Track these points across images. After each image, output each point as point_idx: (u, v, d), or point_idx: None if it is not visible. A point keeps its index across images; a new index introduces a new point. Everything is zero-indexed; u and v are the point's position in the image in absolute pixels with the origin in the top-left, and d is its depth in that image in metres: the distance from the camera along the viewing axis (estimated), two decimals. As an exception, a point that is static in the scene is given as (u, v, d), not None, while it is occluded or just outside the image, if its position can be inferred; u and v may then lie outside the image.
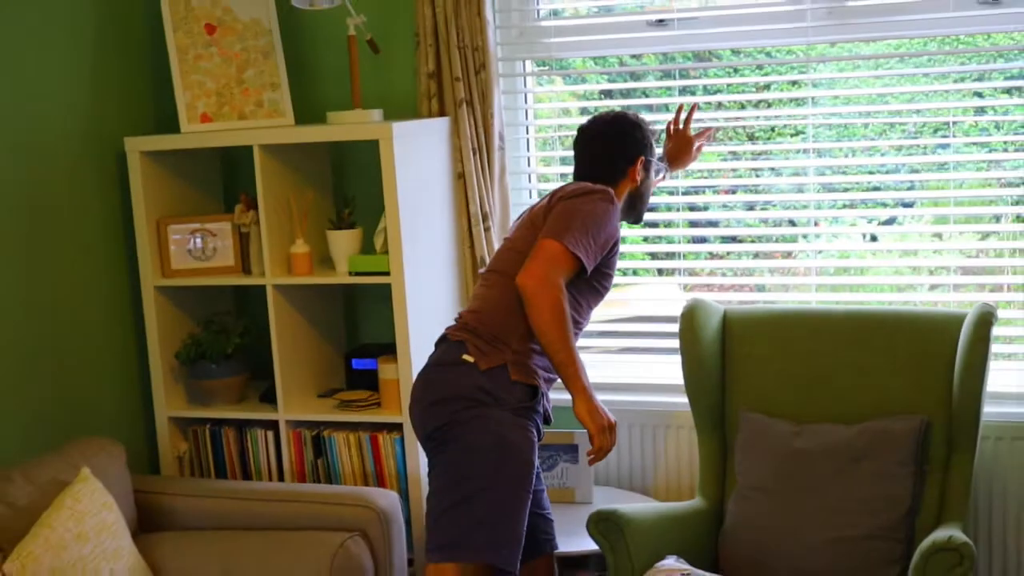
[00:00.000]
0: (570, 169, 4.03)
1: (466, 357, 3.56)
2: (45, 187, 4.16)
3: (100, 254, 4.39)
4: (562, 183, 3.92)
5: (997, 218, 4.35)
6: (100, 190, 4.38)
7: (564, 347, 3.48)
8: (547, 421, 3.74)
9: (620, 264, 4.53)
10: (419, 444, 3.83)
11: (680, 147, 4.19)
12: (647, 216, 4.44)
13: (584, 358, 4.08)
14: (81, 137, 4.30)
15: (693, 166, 4.33)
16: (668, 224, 4.68)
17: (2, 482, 3.57)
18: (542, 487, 3.85)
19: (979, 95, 4.32)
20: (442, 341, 3.68)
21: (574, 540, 3.95)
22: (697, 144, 4.22)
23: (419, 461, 4.17)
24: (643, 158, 3.85)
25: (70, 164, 4.25)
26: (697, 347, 4.05)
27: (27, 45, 4.08)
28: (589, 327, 4.40)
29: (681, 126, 4.20)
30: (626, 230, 4.58)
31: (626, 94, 4.72)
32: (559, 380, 3.68)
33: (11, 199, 4.01)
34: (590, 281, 3.66)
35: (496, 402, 3.53)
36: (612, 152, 3.85)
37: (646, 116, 4.43)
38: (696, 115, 4.34)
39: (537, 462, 3.70)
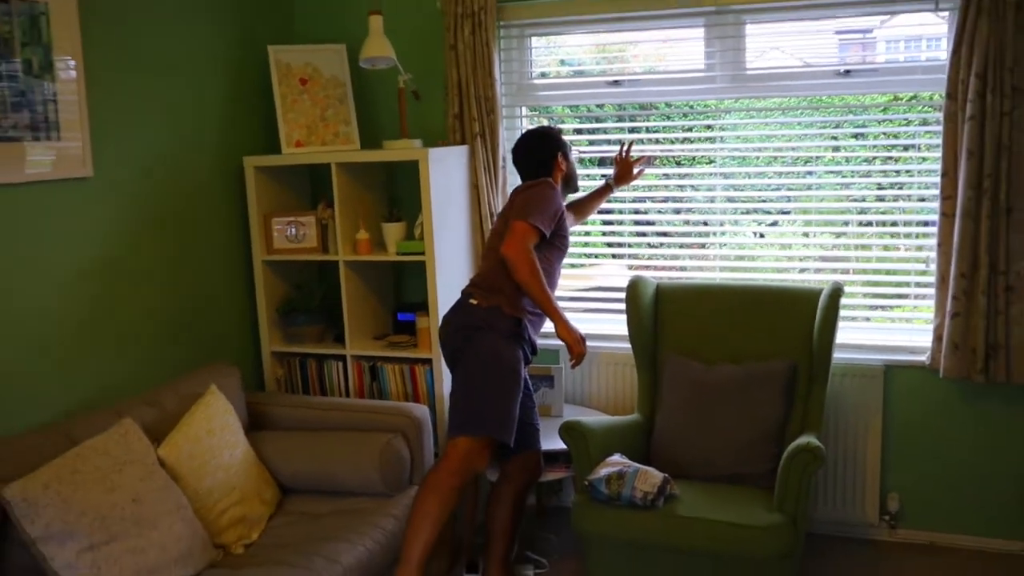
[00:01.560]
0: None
1: (472, 301, 3.64)
2: (190, 190, 4.15)
3: (226, 237, 4.38)
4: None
5: (846, 223, 4.32)
6: (226, 193, 4.37)
7: (541, 292, 3.53)
8: (534, 351, 3.76)
9: (585, 249, 4.61)
10: (444, 366, 3.90)
11: (623, 171, 4.24)
12: (604, 216, 4.49)
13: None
14: (214, 157, 4.29)
15: (637, 183, 4.34)
16: (619, 223, 4.67)
17: (158, 395, 3.64)
18: (533, 405, 3.89)
19: (835, 139, 4.29)
20: (460, 295, 3.74)
21: (550, 441, 3.97)
22: (636, 169, 4.25)
23: (443, 385, 4.19)
24: (560, 153, 3.86)
25: (206, 175, 4.25)
26: (638, 309, 4.09)
27: (182, 95, 4.10)
28: (565, 294, 4.49)
29: (623, 156, 4.25)
30: (589, 226, 4.56)
31: (592, 132, 4.67)
32: (546, 324, 3.72)
33: (168, 198, 4.02)
34: (551, 242, 3.69)
35: (493, 329, 3.57)
36: (539, 157, 3.86)
37: (605, 147, 4.52)
38: (640, 147, 4.36)
39: (526, 375, 3.72)
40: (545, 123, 4.68)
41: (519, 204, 3.66)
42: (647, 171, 4.43)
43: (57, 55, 3.44)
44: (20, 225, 3.36)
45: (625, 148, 4.27)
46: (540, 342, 3.88)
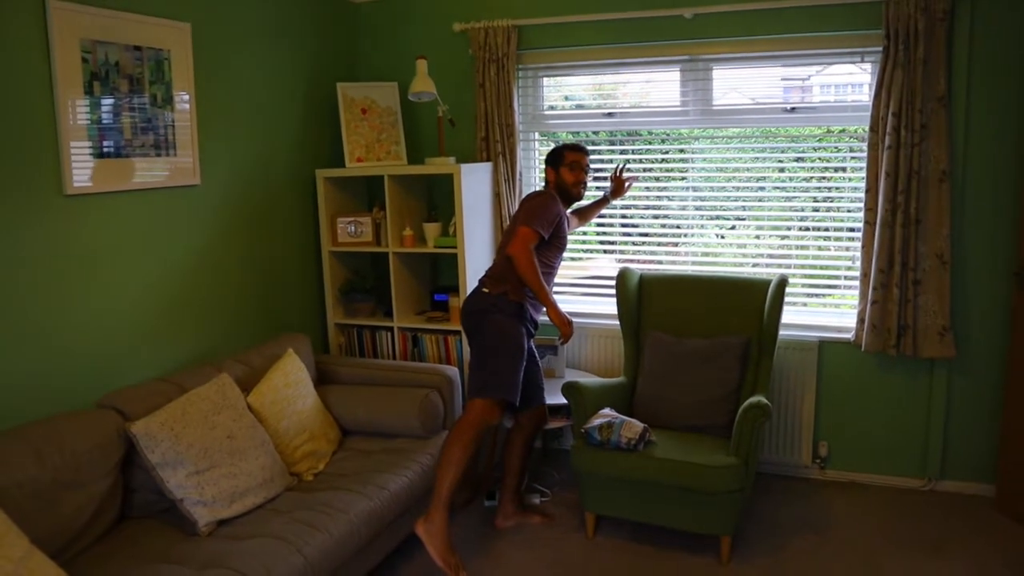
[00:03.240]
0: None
1: (485, 289, 3.59)
2: (273, 195, 4.14)
3: (301, 233, 4.35)
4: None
5: (789, 228, 4.28)
6: (302, 198, 4.35)
7: (537, 284, 3.47)
8: (536, 327, 3.70)
9: (584, 246, 4.54)
10: (467, 338, 3.77)
11: (617, 187, 4.21)
12: (598, 219, 4.43)
13: (563, 300, 4.14)
14: (292, 169, 4.28)
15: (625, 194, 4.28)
16: (610, 225, 4.60)
17: (247, 355, 3.66)
18: (539, 369, 3.84)
19: (781, 162, 4.25)
20: (477, 283, 3.70)
21: (554, 397, 3.97)
22: (627, 185, 4.23)
23: (468, 352, 3.98)
24: (548, 166, 3.76)
25: (287, 184, 4.24)
26: (625, 293, 4.07)
27: (268, 121, 4.09)
28: (568, 281, 4.42)
29: (617, 175, 4.22)
30: (589, 227, 4.49)
31: (589, 153, 4.38)
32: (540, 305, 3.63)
33: (256, 201, 4.00)
34: (551, 242, 3.62)
35: (500, 311, 3.52)
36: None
37: (600, 165, 4.45)
38: (628, 167, 4.35)
39: (529, 347, 3.64)
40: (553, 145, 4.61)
41: (523, 212, 3.60)
42: (634, 185, 4.41)
43: (176, 91, 3.47)
44: (146, 220, 3.38)
45: (618, 169, 4.25)
46: (543, 320, 3.87)
